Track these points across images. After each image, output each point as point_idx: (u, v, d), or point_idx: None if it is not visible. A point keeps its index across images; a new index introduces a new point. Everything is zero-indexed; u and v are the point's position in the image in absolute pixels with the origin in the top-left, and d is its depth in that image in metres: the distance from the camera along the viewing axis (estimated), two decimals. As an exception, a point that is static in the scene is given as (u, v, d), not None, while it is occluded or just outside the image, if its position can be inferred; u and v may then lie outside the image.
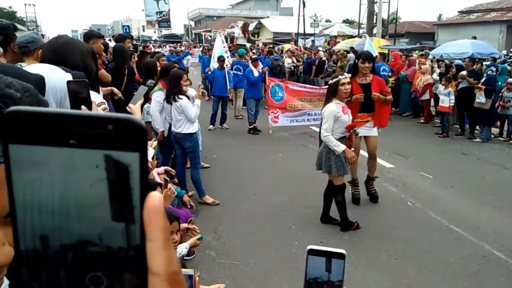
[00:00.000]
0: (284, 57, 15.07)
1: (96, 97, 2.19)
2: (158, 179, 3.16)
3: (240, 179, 5.91)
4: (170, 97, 4.56)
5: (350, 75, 4.23)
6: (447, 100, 8.66)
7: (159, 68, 5.59)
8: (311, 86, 8.99)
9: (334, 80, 4.01)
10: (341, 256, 0.64)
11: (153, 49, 14.97)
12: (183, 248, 2.57)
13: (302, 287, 0.64)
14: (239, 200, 5.10)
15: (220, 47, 10.40)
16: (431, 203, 5.08)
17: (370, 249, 3.92)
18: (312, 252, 0.65)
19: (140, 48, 10.42)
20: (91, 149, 0.27)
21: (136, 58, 6.32)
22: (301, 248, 3.98)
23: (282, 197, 4.86)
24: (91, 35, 4.36)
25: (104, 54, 4.99)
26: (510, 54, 15.08)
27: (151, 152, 3.50)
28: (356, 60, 4.87)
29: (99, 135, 0.27)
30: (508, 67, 10.52)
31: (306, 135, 8.61)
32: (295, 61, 14.73)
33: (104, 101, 2.28)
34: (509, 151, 7.86)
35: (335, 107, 3.99)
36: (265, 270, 3.56)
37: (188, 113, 4.55)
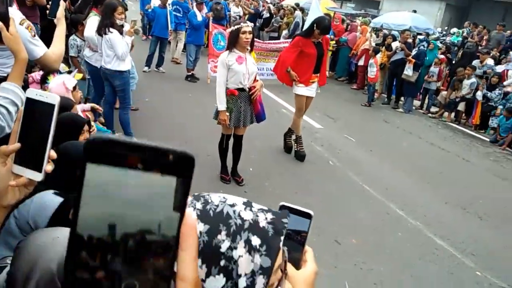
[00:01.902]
0: (231, 4, 14.56)
1: (16, 14, 1.99)
2: (79, 112, 3.01)
3: (172, 126, 5.82)
4: (101, 29, 4.26)
5: (252, 24, 4.11)
6: (369, 71, 9.13)
7: None
8: (257, 40, 8.86)
9: (235, 27, 3.90)
10: (308, 215, 0.74)
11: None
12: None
13: None
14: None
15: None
16: (350, 163, 5.48)
17: (290, 201, 4.10)
18: (283, 207, 0.74)
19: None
20: (153, 173, 0.33)
21: (66, -18, 5.70)
22: (225, 196, 4.12)
23: (213, 147, 4.89)
24: None
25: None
26: (444, 32, 16.01)
27: (72, 82, 3.28)
28: (315, 26, 4.85)
29: (161, 162, 0.34)
30: (440, 45, 11.20)
31: (244, 88, 8.60)
32: (242, 10, 14.32)
33: (25, 18, 2.08)
34: (426, 123, 8.60)
35: (228, 56, 3.92)
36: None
37: (117, 49, 4.29)
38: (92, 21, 4.60)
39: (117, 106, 4.98)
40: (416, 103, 9.73)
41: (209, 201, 0.59)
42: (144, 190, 0.33)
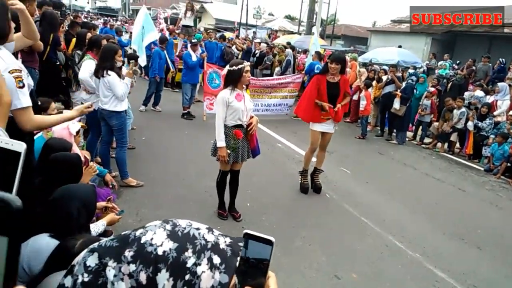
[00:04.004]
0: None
1: (10, 62, 2.03)
2: (79, 153, 3.06)
3: (168, 163, 5.86)
4: (99, 71, 4.39)
5: (249, 63, 4.31)
6: (360, 104, 9.38)
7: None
8: (252, 77, 9.10)
9: (239, 67, 4.00)
10: (269, 242, 0.76)
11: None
12: (99, 226, 2.53)
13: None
14: (165, 184, 5.07)
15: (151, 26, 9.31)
16: (347, 196, 5.49)
17: (287, 235, 4.15)
18: (246, 235, 0.77)
19: (71, 18, 9.74)
20: None
21: (65, 28, 5.94)
22: (222, 232, 4.08)
23: (210, 183, 4.91)
24: None
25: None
26: (429, 62, 16.37)
27: (76, 126, 3.35)
28: (329, 61, 5.02)
29: None
30: (430, 78, 11.51)
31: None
32: (235, 49, 14.76)
33: (20, 67, 2.13)
34: (420, 154, 8.69)
35: (228, 93, 4.01)
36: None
37: (116, 90, 4.41)
38: (87, 64, 4.74)
39: (113, 145, 5.04)
40: (409, 134, 9.87)
41: (177, 224, 0.67)
42: None
